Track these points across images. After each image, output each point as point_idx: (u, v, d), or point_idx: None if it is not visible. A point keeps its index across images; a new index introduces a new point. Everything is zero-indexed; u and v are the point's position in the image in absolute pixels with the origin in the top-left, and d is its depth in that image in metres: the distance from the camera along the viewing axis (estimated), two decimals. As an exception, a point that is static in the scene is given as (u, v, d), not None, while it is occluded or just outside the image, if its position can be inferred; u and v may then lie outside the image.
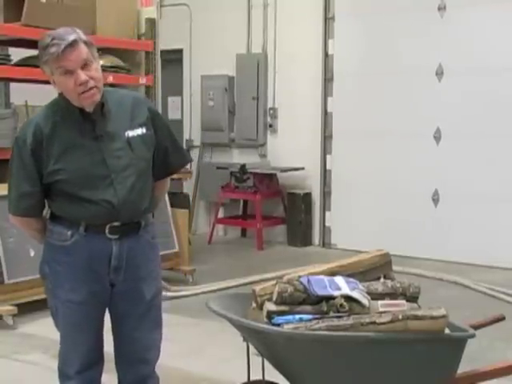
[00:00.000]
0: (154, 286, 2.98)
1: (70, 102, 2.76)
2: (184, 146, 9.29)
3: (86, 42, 2.72)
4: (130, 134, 2.83)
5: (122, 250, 2.83)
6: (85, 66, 2.69)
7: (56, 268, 2.85)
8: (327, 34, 8.77)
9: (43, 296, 5.83)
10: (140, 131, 2.85)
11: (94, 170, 2.76)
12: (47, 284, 2.93)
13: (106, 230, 2.80)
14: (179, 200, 7.76)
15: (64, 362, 2.97)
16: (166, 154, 2.98)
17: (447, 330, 2.62)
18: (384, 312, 2.59)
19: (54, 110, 2.81)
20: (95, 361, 2.97)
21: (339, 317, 2.57)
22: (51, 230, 2.87)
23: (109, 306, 2.94)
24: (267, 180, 9.02)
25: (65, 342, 2.96)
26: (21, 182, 2.80)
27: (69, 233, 2.81)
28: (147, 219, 2.93)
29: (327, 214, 8.94)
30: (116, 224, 2.80)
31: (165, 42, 8.67)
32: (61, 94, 2.80)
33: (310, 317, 2.58)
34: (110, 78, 6.80)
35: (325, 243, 8.90)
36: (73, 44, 2.67)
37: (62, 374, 2.98)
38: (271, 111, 9.27)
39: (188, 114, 9.81)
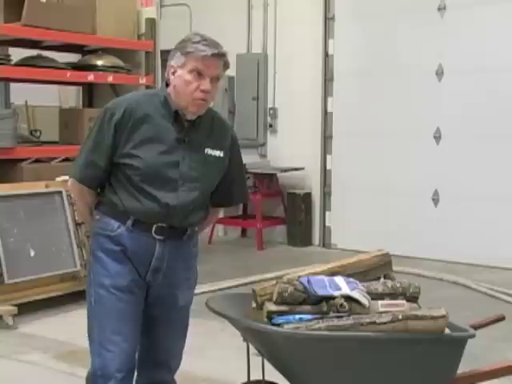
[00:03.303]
0: (188, 294, 2.99)
1: (167, 101, 2.79)
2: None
3: (225, 63, 2.83)
4: (209, 152, 2.85)
5: (164, 251, 2.81)
6: (213, 79, 2.76)
7: (99, 255, 2.82)
8: (327, 34, 8.77)
9: (43, 296, 5.87)
10: (218, 154, 2.87)
11: (166, 170, 2.76)
12: (89, 275, 2.88)
13: (153, 230, 2.78)
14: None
15: (101, 363, 2.76)
16: (231, 184, 3.00)
17: (447, 330, 2.62)
18: (384, 312, 2.59)
19: (151, 100, 2.82)
20: (133, 364, 2.84)
21: (339, 317, 2.57)
22: (98, 220, 2.85)
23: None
24: (267, 180, 9.02)
25: (104, 337, 2.77)
26: (94, 150, 2.79)
27: (116, 224, 2.79)
28: (193, 228, 2.91)
29: (327, 213, 8.95)
30: (163, 225, 2.78)
31: (165, 42, 8.67)
32: (164, 87, 2.83)
33: (310, 317, 2.58)
34: (110, 78, 6.81)
35: (325, 243, 8.90)
36: (221, 56, 2.77)
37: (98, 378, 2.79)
38: (271, 111, 9.27)
39: (188, 114, 9.82)
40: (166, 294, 2.87)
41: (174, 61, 2.78)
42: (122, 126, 2.75)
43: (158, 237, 2.79)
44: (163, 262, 2.81)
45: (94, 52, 7.11)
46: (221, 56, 2.77)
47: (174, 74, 2.78)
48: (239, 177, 3.06)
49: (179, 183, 2.77)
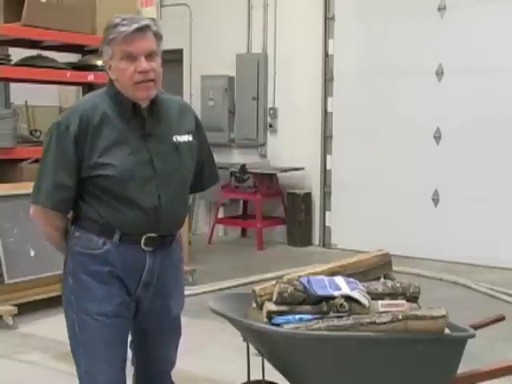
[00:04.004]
0: (180, 301, 2.85)
1: (120, 94, 2.58)
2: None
3: (156, 34, 2.58)
4: (179, 138, 2.66)
5: (155, 263, 2.64)
6: (149, 56, 2.55)
7: (83, 278, 2.59)
8: (327, 34, 8.78)
9: (43, 296, 5.87)
10: (186, 138, 2.69)
11: (140, 170, 2.56)
12: (70, 299, 2.64)
13: (142, 241, 2.60)
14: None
15: None
16: (201, 169, 2.83)
17: (447, 330, 2.62)
18: (384, 312, 2.59)
19: (104, 100, 2.60)
20: None
21: (339, 317, 2.57)
22: (78, 237, 2.62)
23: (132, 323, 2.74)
24: (267, 180, 9.02)
25: (90, 366, 2.64)
26: (58, 171, 2.54)
27: (100, 241, 2.58)
28: (179, 230, 2.77)
29: (327, 213, 8.94)
30: (152, 235, 2.61)
31: (165, 42, 8.66)
32: (110, 84, 2.62)
33: (309, 317, 2.58)
34: (110, 78, 6.80)
35: (325, 243, 8.90)
36: (144, 29, 2.53)
37: None
38: (271, 111, 9.27)
39: (188, 114, 9.79)
40: (158, 305, 2.72)
41: (105, 55, 2.58)
42: (82, 136, 2.52)
43: (147, 248, 2.62)
44: (154, 274, 2.65)
45: (94, 52, 7.10)
46: (145, 28, 2.53)
47: (110, 68, 2.58)
48: (208, 158, 2.89)
49: (158, 181, 2.59)
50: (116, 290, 2.61)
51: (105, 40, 2.56)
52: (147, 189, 2.58)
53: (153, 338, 2.79)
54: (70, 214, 2.69)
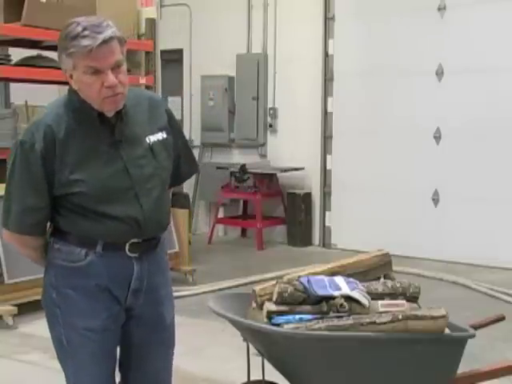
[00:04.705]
0: (171, 307, 2.71)
1: (84, 102, 2.40)
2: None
3: (120, 40, 2.36)
4: (152, 138, 2.51)
5: (143, 269, 2.51)
6: (115, 68, 2.34)
7: (67, 292, 2.48)
8: (327, 34, 8.78)
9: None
10: (160, 136, 2.53)
11: (115, 181, 2.41)
12: (54, 312, 2.55)
13: (127, 248, 2.47)
14: (179, 200, 7.76)
15: None
16: (178, 162, 2.68)
17: (447, 330, 2.62)
18: (384, 312, 2.59)
19: (67, 110, 2.42)
20: None
21: (339, 317, 2.57)
22: (59, 250, 2.49)
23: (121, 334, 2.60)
24: (267, 180, 9.02)
25: (79, 379, 2.55)
26: (26, 193, 2.39)
27: (82, 252, 2.45)
28: (163, 233, 2.64)
29: (327, 213, 8.94)
30: (137, 241, 2.48)
31: (165, 42, 8.68)
32: (73, 92, 2.42)
33: (310, 317, 2.58)
34: (110, 78, 6.80)
35: (325, 243, 8.90)
36: (109, 41, 2.30)
37: None
38: (271, 111, 9.27)
39: (188, 114, 9.81)
40: (150, 313, 2.59)
41: (63, 65, 2.37)
42: (50, 153, 2.35)
43: (133, 254, 2.48)
44: (143, 280, 2.53)
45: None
46: (109, 40, 2.30)
47: (71, 77, 2.37)
48: (185, 152, 2.73)
49: (136, 189, 2.45)
50: (103, 304, 2.49)
51: (64, 51, 2.34)
52: (126, 200, 2.44)
53: (146, 349, 2.64)
54: (48, 227, 2.56)
